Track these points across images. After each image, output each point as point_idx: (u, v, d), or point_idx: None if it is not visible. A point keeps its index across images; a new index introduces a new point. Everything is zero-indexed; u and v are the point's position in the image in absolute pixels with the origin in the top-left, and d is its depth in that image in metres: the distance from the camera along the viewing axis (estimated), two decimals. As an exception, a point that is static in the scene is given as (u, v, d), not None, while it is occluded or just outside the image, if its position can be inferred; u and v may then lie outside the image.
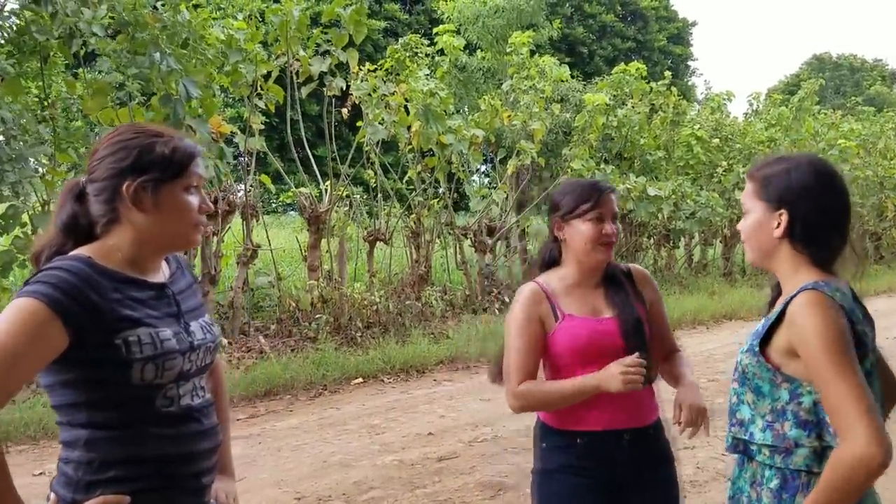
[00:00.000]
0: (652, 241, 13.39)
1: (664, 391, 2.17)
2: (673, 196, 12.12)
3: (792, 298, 1.57)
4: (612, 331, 2.05)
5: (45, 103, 6.77)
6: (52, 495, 1.44)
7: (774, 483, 1.60)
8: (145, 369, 1.41)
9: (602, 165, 11.26)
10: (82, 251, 1.45)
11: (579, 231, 2.07)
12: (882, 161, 17.48)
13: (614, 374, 1.91)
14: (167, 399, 1.48)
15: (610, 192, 2.12)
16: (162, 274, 1.58)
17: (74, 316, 1.34)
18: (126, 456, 1.42)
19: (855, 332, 1.53)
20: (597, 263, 2.11)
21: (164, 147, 1.49)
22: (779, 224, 1.63)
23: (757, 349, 1.61)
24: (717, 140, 13.75)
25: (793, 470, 1.58)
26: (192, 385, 1.54)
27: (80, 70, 6.69)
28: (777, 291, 1.73)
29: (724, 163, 13.68)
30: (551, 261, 2.20)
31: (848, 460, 1.43)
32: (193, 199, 1.52)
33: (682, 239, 13.64)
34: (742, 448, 1.68)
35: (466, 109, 13.32)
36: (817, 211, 1.62)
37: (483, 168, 15.03)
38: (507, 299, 10.19)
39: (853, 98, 29.49)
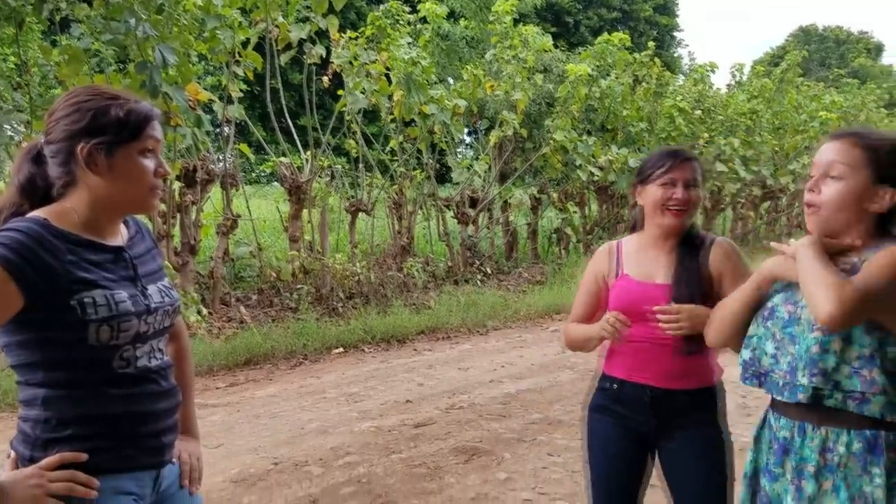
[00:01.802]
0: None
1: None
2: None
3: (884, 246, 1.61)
4: (662, 297, 2.12)
5: (21, 70, 6.68)
6: (12, 453, 1.46)
7: (857, 446, 1.60)
8: (101, 330, 1.43)
9: (585, 137, 11.25)
10: (38, 213, 1.46)
11: (651, 194, 2.18)
12: (863, 134, 17.58)
13: (600, 325, 2.10)
14: (123, 360, 1.49)
15: (686, 159, 2.17)
16: (120, 237, 1.59)
17: (28, 277, 1.35)
18: (83, 415, 1.44)
19: None
20: (667, 228, 2.17)
21: (119, 109, 1.48)
22: (879, 200, 1.65)
23: None
24: (699, 112, 13.77)
25: (877, 426, 1.59)
26: (150, 347, 1.55)
27: (58, 36, 6.59)
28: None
29: (706, 134, 13.72)
30: (636, 227, 2.33)
31: (827, 296, 1.54)
32: (149, 163, 1.52)
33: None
34: (817, 399, 1.64)
35: (451, 80, 13.24)
36: None
37: (466, 139, 14.98)
38: (488, 270, 10.25)
39: (836, 70, 29.55)
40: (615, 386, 2.21)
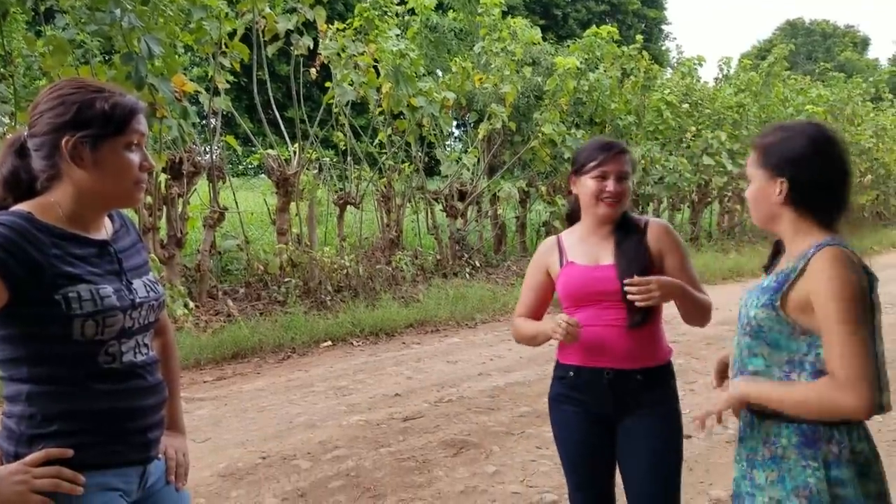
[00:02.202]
0: (621, 205, 13.48)
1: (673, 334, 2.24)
2: (642, 161, 12.19)
3: (812, 255, 1.64)
4: (610, 276, 2.19)
5: (5, 61, 6.59)
6: None
7: (796, 439, 1.67)
8: (86, 325, 1.41)
9: (573, 130, 11.25)
10: (22, 207, 1.44)
11: (586, 186, 2.26)
12: (849, 127, 17.70)
13: (551, 326, 2.15)
14: (109, 356, 1.48)
15: (618, 151, 2.25)
16: (105, 231, 1.57)
17: (12, 271, 1.34)
18: (68, 410, 1.43)
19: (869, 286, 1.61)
20: (602, 217, 2.26)
21: (105, 103, 1.46)
22: (780, 191, 1.72)
23: (777, 304, 1.67)
24: (686, 105, 13.80)
25: (813, 422, 1.64)
26: (136, 342, 1.54)
27: (43, 27, 6.51)
28: (776, 251, 1.84)
29: (693, 128, 13.77)
30: (573, 214, 2.40)
31: (831, 402, 1.57)
32: (134, 157, 1.51)
33: (651, 204, 13.76)
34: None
35: (440, 73, 13.20)
36: (815, 177, 1.70)
37: (455, 132, 14.95)
38: (477, 263, 10.25)
39: (823, 64, 29.69)
40: (572, 373, 2.27)
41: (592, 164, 2.23)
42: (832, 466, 1.63)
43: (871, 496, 1.63)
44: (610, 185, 2.21)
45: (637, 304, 2.07)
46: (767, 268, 1.85)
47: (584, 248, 2.30)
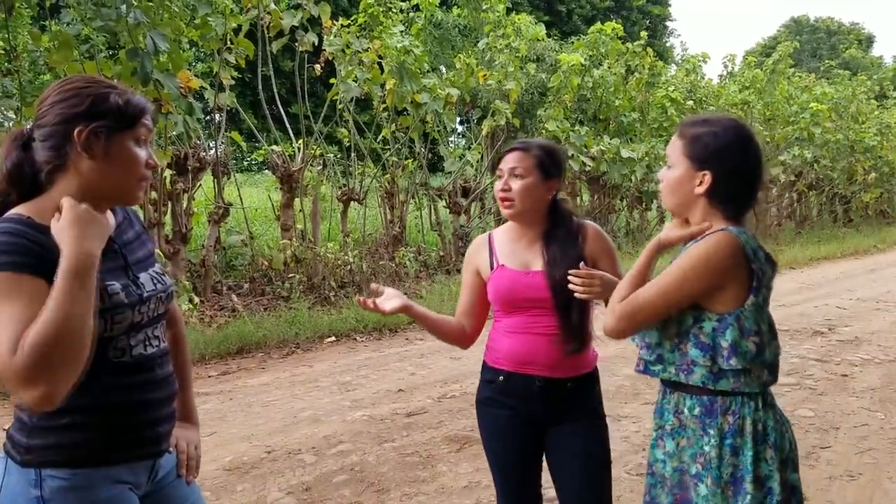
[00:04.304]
0: (625, 203, 13.49)
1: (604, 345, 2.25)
2: (646, 158, 12.19)
3: (703, 237, 1.76)
4: (539, 284, 2.14)
5: (11, 56, 6.61)
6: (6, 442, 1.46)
7: (697, 410, 1.78)
8: (94, 323, 1.42)
9: (577, 127, 11.25)
10: (21, 211, 1.43)
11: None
12: (853, 125, 17.67)
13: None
14: (118, 350, 1.49)
15: (511, 150, 2.23)
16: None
17: (35, 267, 1.35)
18: (79, 404, 1.43)
19: (750, 270, 1.71)
20: (507, 217, 2.24)
21: (119, 97, 1.48)
22: (701, 183, 1.79)
23: None
24: (691, 102, 13.78)
25: (712, 394, 1.76)
26: (145, 335, 1.55)
27: (48, 22, 6.52)
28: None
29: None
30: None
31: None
32: (141, 153, 1.52)
33: (655, 201, 13.75)
34: (645, 370, 1.86)
35: (444, 69, 13.21)
36: (736, 173, 1.78)
37: (459, 128, 14.94)
38: (480, 259, 10.23)
39: (828, 62, 29.60)
40: (501, 378, 2.21)
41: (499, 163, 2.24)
42: (727, 436, 1.73)
43: (769, 462, 1.72)
44: (500, 182, 2.20)
45: (577, 294, 2.03)
46: None
47: (516, 251, 2.24)
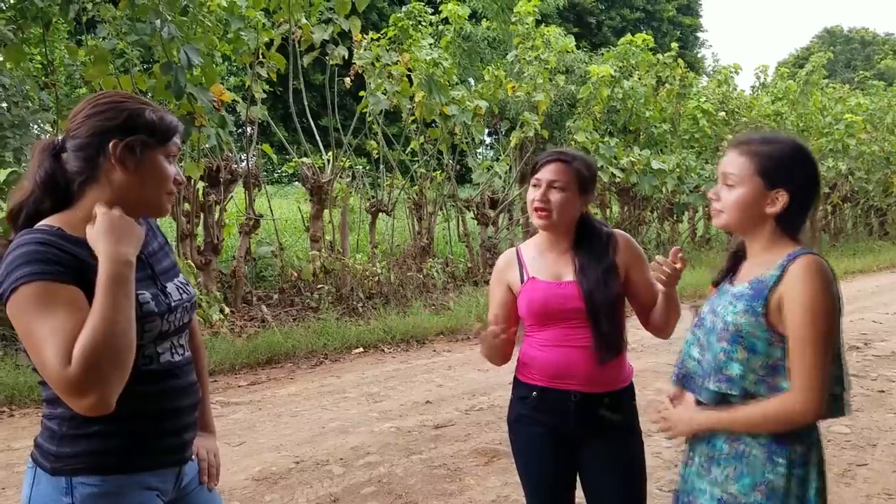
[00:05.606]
0: (655, 214, 13.36)
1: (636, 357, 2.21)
2: (677, 170, 12.08)
3: (788, 263, 1.68)
4: (573, 294, 2.11)
5: (48, 70, 6.77)
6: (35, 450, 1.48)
7: (764, 438, 1.70)
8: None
9: (607, 138, 11.19)
10: (51, 223, 1.46)
11: (528, 194, 2.21)
12: (889, 136, 17.34)
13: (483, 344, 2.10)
14: (146, 358, 1.51)
15: (552, 160, 2.16)
16: None
17: (68, 276, 1.37)
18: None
19: (836, 292, 1.66)
20: (539, 227, 2.19)
21: (153, 114, 1.52)
22: (773, 202, 1.73)
23: (760, 310, 1.69)
24: (723, 113, 13.64)
25: None
26: (170, 343, 1.57)
27: (84, 37, 6.67)
28: (736, 259, 1.87)
29: (730, 136, 13.58)
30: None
31: (786, 413, 1.64)
32: (171, 169, 1.56)
33: (686, 213, 13.62)
34: (723, 402, 1.76)
35: (472, 81, 13.23)
36: (808, 196, 1.77)
37: (487, 140, 14.95)
38: (508, 271, 10.20)
39: (862, 72, 29.14)
40: (535, 394, 2.15)
41: (532, 172, 2.19)
42: (796, 465, 1.68)
43: (821, 493, 1.70)
44: (537, 194, 2.14)
45: (658, 279, 2.01)
46: (722, 280, 1.88)
47: (546, 263, 2.20)
